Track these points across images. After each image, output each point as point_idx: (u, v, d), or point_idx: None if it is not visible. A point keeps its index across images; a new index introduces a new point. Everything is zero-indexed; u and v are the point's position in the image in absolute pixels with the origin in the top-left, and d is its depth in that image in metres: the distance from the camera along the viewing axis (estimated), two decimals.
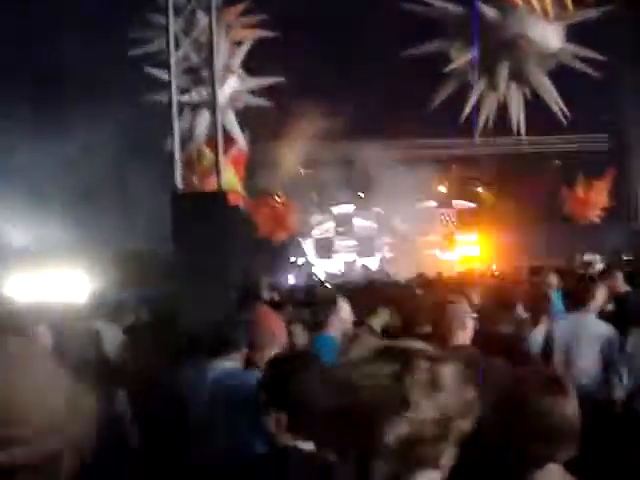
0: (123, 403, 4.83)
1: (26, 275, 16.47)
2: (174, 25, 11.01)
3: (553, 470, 2.26)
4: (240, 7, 14.19)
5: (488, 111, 13.26)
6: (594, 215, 21.79)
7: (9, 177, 16.21)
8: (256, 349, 4.21)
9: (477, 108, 13.41)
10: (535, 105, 13.73)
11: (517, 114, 13.20)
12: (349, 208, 25.33)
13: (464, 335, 4.00)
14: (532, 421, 2.26)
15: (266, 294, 10.46)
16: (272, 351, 4.01)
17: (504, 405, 2.32)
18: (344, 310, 5.10)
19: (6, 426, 1.51)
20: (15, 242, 17.32)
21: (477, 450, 2.50)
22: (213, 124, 11.23)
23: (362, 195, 24.38)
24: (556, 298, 6.49)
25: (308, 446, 2.51)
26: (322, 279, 21.61)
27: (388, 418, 1.43)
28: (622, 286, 6.66)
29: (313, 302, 6.73)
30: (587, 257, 16.94)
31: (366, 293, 8.70)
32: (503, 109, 13.36)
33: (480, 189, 25.58)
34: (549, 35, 12.41)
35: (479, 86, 12.99)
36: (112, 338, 6.44)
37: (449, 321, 4.00)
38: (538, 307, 5.81)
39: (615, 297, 6.10)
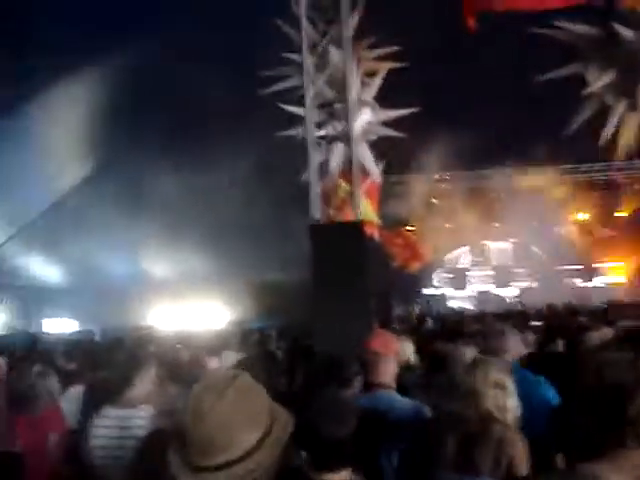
0: None
1: (167, 305, 17.07)
2: (308, 61, 11.28)
3: None
4: (371, 39, 14.36)
5: (628, 133, 12.80)
6: None
7: (152, 211, 16.87)
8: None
9: (617, 131, 12.97)
10: None
11: None
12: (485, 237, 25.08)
13: None
14: None
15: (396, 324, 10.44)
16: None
17: None
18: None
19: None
20: (157, 274, 17.98)
21: None
22: (348, 156, 11.39)
23: (497, 224, 24.04)
24: None
25: None
26: (456, 308, 21.45)
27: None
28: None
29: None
30: None
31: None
32: None
33: (620, 214, 24.74)
34: None
35: (618, 108, 12.59)
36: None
37: None
38: None
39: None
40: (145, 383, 4.41)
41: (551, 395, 4.30)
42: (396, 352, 4.78)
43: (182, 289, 16.69)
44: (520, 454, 3.35)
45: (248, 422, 1.96)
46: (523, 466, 3.33)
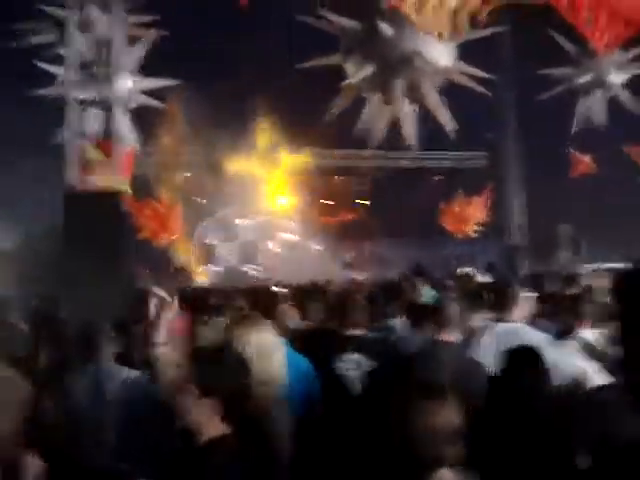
0: None
1: None
2: (69, 18, 10.78)
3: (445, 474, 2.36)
4: (134, 4, 13.94)
5: (381, 125, 13.50)
6: (470, 230, 22.50)
7: None
8: None
9: (370, 122, 13.63)
10: (423, 120, 14.10)
11: (409, 129, 13.50)
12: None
13: None
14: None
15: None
16: None
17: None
18: None
19: None
20: None
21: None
22: (105, 123, 11.05)
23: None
24: None
25: None
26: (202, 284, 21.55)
27: None
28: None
29: None
30: (465, 270, 17.49)
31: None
32: (395, 123, 13.63)
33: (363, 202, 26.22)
34: (441, 52, 12.79)
35: (373, 101, 13.23)
36: None
37: None
38: None
39: None
40: None
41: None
42: None
43: None
44: None
45: None
46: None
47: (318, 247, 24.87)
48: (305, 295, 8.31)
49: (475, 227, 22.33)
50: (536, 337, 4.84)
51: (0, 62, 13.91)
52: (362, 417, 3.69)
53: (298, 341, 4.89)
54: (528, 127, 21.34)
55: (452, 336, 4.73)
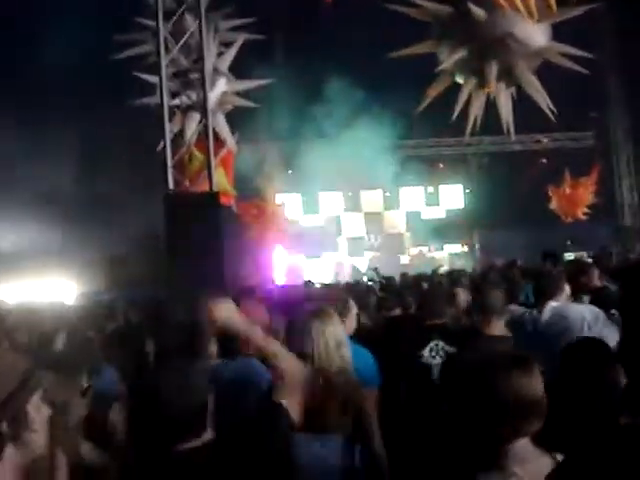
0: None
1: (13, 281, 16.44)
2: (164, 28, 11.08)
3: (522, 444, 2.34)
4: (227, 10, 14.22)
5: (477, 110, 13.31)
6: (581, 213, 21.92)
7: None
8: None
9: (466, 108, 13.46)
10: (523, 103, 13.82)
11: (506, 113, 13.26)
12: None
13: None
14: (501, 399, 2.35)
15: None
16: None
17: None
18: None
19: None
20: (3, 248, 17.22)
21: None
22: (203, 126, 11.31)
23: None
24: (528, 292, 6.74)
25: None
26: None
27: None
28: (596, 281, 6.79)
29: None
30: (574, 254, 17.08)
31: None
32: (492, 108, 13.41)
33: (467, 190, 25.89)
34: (535, 33, 12.49)
35: (468, 86, 13.06)
36: None
37: None
38: None
39: (590, 291, 6.24)
40: None
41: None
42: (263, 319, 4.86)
43: (29, 263, 16.05)
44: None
45: None
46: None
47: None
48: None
49: (585, 209, 21.74)
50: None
51: (101, 74, 14.42)
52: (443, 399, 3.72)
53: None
54: (636, 104, 20.59)
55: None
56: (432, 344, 4.83)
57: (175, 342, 5.63)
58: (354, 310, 4.80)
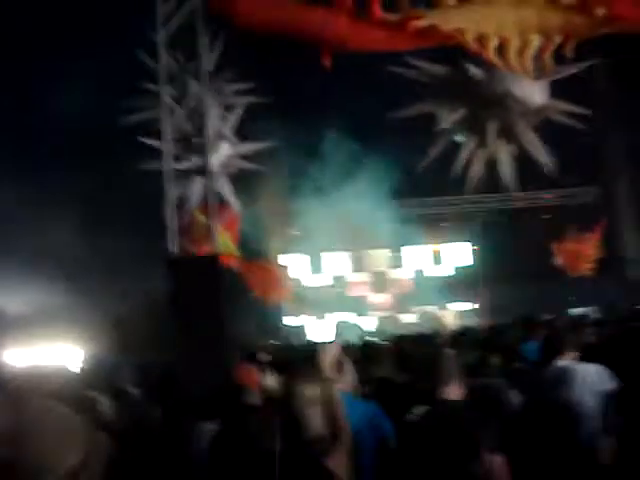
0: None
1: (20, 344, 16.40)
2: (166, 93, 11.26)
3: None
4: (230, 74, 14.41)
5: (478, 168, 13.40)
6: (586, 268, 21.88)
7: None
8: None
9: (466, 166, 13.54)
10: (523, 161, 13.90)
11: (506, 170, 13.33)
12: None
13: None
14: None
15: (262, 356, 10.45)
16: None
17: None
18: None
19: None
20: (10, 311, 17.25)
21: None
22: (206, 190, 11.41)
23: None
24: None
25: None
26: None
27: None
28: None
29: None
30: (579, 310, 17.03)
31: None
32: (492, 166, 13.49)
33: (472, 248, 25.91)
34: (533, 91, 12.64)
35: (468, 145, 13.17)
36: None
37: None
38: None
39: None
40: None
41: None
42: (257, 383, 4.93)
43: (35, 327, 16.05)
44: None
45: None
46: None
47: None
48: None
49: (590, 265, 21.71)
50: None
51: (106, 139, 14.59)
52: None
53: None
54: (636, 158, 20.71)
55: None
56: None
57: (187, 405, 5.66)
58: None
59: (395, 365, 6.96)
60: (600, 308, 17.01)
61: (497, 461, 3.24)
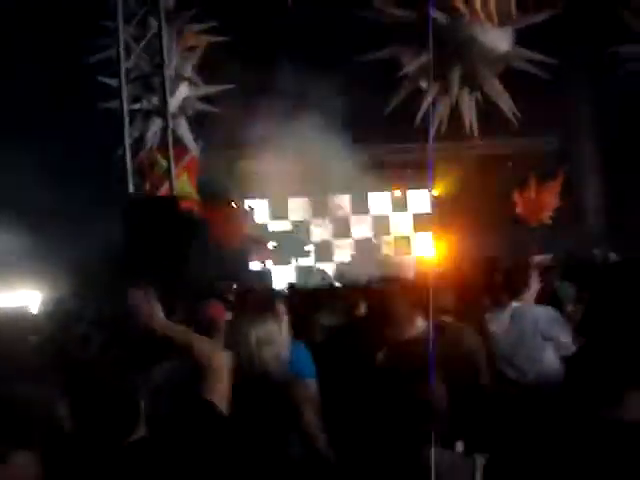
0: None
1: None
2: (125, 32, 10.99)
3: None
4: (191, 13, 14.12)
5: (441, 115, 13.37)
6: (546, 217, 22.03)
7: None
8: None
9: (430, 113, 13.50)
10: (486, 108, 13.87)
11: (469, 117, 13.32)
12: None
13: None
14: None
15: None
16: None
17: None
18: None
19: None
20: None
21: None
22: (165, 131, 11.23)
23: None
24: None
25: None
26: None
27: None
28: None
29: None
30: (539, 258, 17.15)
31: None
32: (456, 113, 13.47)
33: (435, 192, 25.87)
34: (498, 39, 12.57)
35: (432, 91, 13.11)
36: None
37: None
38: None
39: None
40: None
41: None
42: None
43: None
44: None
45: None
46: None
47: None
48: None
49: (550, 213, 21.86)
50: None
51: (66, 78, 14.24)
52: None
53: None
54: (601, 108, 20.69)
55: None
56: None
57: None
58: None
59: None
60: (560, 256, 17.15)
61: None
